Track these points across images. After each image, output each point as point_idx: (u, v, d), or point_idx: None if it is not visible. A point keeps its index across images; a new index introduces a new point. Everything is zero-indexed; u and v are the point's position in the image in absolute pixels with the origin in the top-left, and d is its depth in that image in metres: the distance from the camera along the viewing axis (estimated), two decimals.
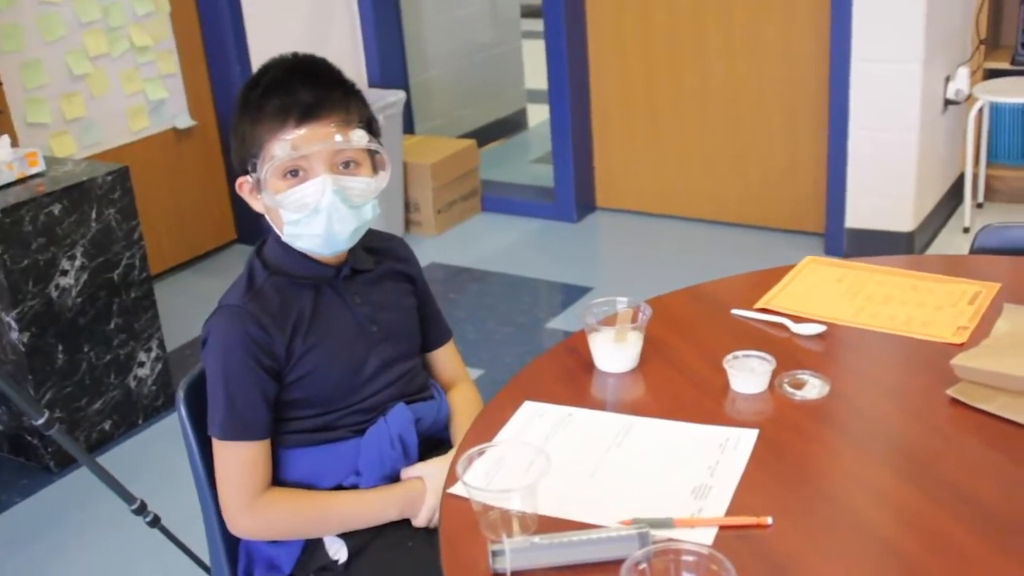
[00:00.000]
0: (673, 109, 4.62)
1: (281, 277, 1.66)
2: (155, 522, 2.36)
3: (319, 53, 1.68)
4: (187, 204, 4.55)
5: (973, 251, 2.14)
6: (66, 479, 3.11)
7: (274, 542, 1.68)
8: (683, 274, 2.27)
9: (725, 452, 1.42)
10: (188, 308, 4.05)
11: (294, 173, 1.59)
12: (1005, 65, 4.41)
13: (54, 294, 3.01)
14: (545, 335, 3.79)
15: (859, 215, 4.13)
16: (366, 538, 1.65)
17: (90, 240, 3.09)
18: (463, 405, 1.82)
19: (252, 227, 4.58)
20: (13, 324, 2.93)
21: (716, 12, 4.38)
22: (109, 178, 3.13)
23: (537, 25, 4.90)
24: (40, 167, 3.11)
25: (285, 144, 1.58)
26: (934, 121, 4.11)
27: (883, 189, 4.04)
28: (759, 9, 4.27)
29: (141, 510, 2.34)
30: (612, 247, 4.69)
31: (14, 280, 2.90)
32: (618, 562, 1.13)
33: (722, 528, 1.27)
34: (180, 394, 1.69)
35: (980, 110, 4.29)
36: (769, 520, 1.27)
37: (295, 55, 1.67)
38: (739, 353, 1.61)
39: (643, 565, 1.13)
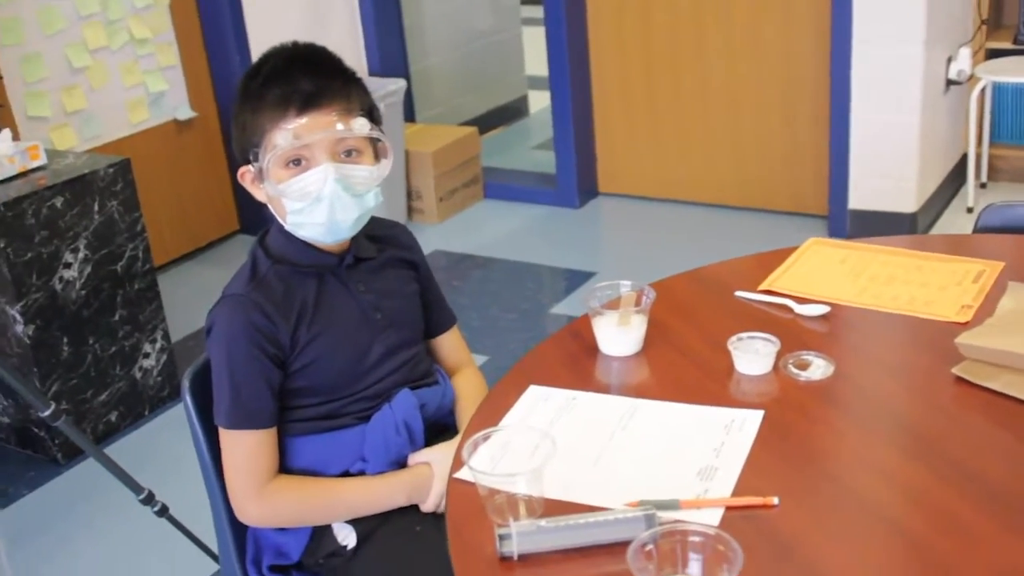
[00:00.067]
0: (674, 93, 4.61)
1: (284, 266, 1.66)
2: (163, 512, 2.37)
3: (319, 42, 1.68)
4: (189, 195, 4.55)
5: (977, 230, 2.14)
6: (73, 471, 3.12)
7: (282, 529, 1.68)
8: (686, 258, 2.27)
9: (730, 433, 1.42)
10: (192, 299, 4.05)
11: (296, 162, 1.59)
12: (1007, 45, 4.40)
13: (58, 287, 3.02)
14: (549, 320, 3.79)
15: (862, 196, 4.13)
16: (374, 524, 1.65)
17: (93, 232, 3.09)
18: (468, 390, 1.82)
19: (255, 217, 4.58)
20: (18, 317, 2.93)
21: (716, 7, 4.37)
22: (111, 170, 3.13)
23: (537, 12, 4.89)
24: (41, 160, 3.11)
25: (287, 133, 1.57)
26: (936, 102, 4.10)
27: (886, 170, 4.04)
28: None
29: (149, 500, 2.35)
30: (615, 232, 4.68)
31: (18, 273, 2.90)
32: (625, 544, 1.14)
33: (728, 509, 1.27)
34: (185, 383, 1.69)
35: (982, 90, 4.28)
36: (775, 500, 1.27)
37: (295, 44, 1.66)
38: (743, 335, 1.61)
39: (650, 547, 1.13)
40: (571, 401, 1.55)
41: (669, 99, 4.63)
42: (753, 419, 1.45)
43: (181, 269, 4.50)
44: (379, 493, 1.65)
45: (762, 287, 1.83)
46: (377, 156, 1.66)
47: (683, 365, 1.63)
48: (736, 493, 1.30)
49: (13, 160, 3.02)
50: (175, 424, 3.21)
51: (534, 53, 5.88)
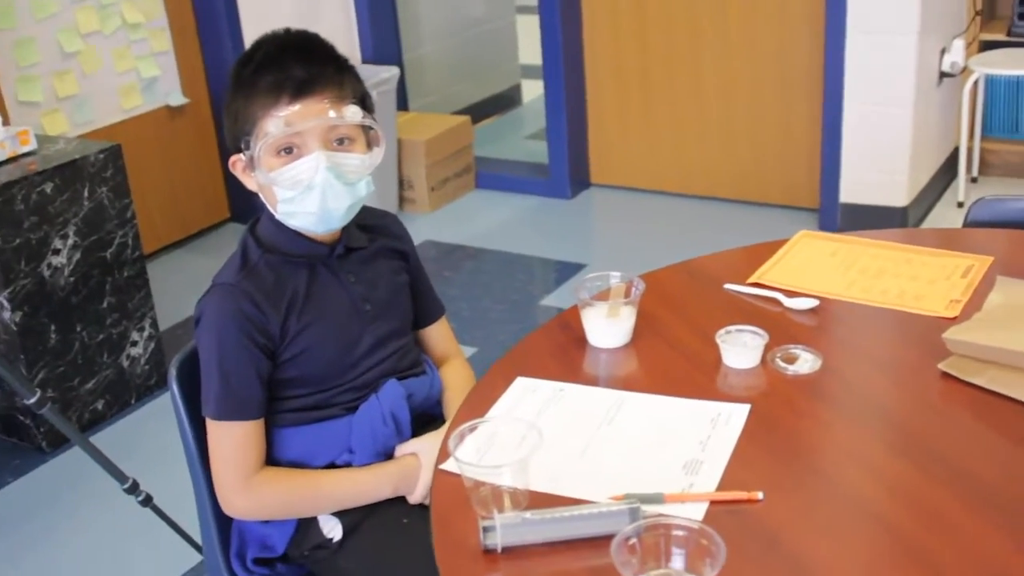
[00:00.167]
0: (668, 84, 4.60)
1: (275, 255, 1.65)
2: (147, 501, 2.36)
3: (312, 29, 1.67)
4: (180, 182, 4.53)
5: (967, 224, 2.14)
6: (58, 459, 3.11)
7: (267, 522, 1.68)
8: (678, 250, 2.26)
9: (717, 427, 1.42)
10: (181, 287, 4.04)
11: (288, 150, 1.58)
12: (1001, 37, 4.40)
13: (46, 273, 3.00)
14: (539, 312, 3.78)
15: (853, 190, 4.12)
16: (360, 516, 1.65)
17: (82, 219, 3.08)
18: (456, 381, 1.81)
19: (245, 205, 4.56)
20: (5, 303, 2.92)
21: None
22: (101, 156, 3.11)
23: (532, 0, 4.87)
24: (32, 145, 3.09)
25: (278, 121, 1.56)
26: (929, 94, 4.10)
27: (878, 163, 4.03)
28: None
29: (133, 489, 2.34)
30: (606, 224, 4.68)
31: (6, 259, 2.89)
32: (608, 537, 1.13)
33: (713, 503, 1.26)
34: (172, 372, 1.68)
35: (975, 83, 4.28)
36: (760, 495, 1.27)
37: (288, 31, 1.65)
38: (731, 328, 1.61)
39: (633, 540, 1.13)
40: (558, 393, 1.54)
41: (662, 91, 4.62)
42: (740, 413, 1.44)
43: (171, 257, 4.49)
44: (365, 485, 1.64)
45: (751, 280, 1.82)
46: (369, 144, 1.65)
47: (671, 357, 1.62)
48: (722, 487, 1.29)
49: (3, 145, 3.01)
50: (162, 413, 3.20)
51: (528, 42, 5.87)
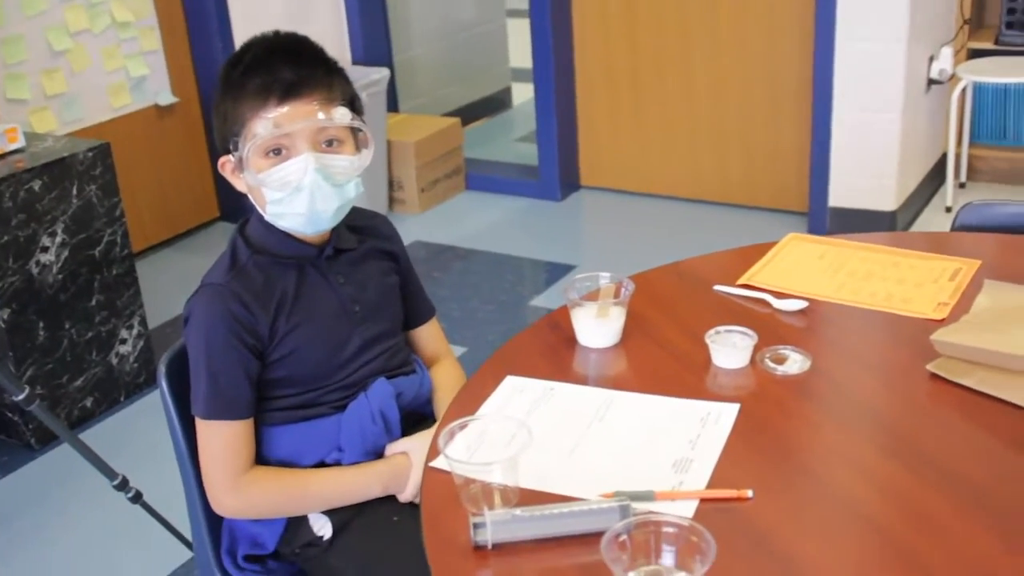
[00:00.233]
0: (658, 88, 4.61)
1: (264, 256, 1.65)
2: (137, 498, 2.36)
3: (302, 30, 1.67)
4: (169, 182, 4.52)
5: (954, 229, 2.15)
6: (47, 456, 3.10)
7: (257, 519, 1.68)
8: (667, 253, 2.27)
9: (706, 426, 1.42)
10: (170, 286, 4.04)
11: (276, 152, 1.59)
12: (989, 45, 4.42)
13: (35, 270, 3.00)
14: (529, 313, 3.79)
15: (842, 194, 4.14)
16: (350, 514, 1.65)
17: (71, 216, 3.07)
18: (446, 380, 1.82)
19: (235, 205, 4.56)
20: None
21: (701, 3, 4.37)
22: (90, 154, 3.11)
23: (522, 3, 4.88)
24: (20, 143, 3.08)
25: (267, 122, 1.56)
26: (917, 101, 4.12)
27: (866, 168, 4.05)
28: None
29: (123, 486, 2.34)
30: (596, 226, 4.68)
31: None
32: (599, 534, 1.14)
33: (703, 501, 1.27)
34: (162, 369, 1.68)
35: (963, 90, 4.30)
36: (749, 493, 1.27)
37: (277, 33, 1.66)
38: (721, 328, 1.61)
39: (623, 537, 1.13)
40: (548, 392, 1.55)
41: (653, 94, 4.63)
42: (729, 412, 1.45)
43: (160, 256, 4.48)
44: (355, 485, 1.64)
45: (740, 281, 1.83)
46: (358, 146, 1.65)
47: (661, 357, 1.63)
48: (711, 485, 1.30)
49: None
50: (151, 411, 3.19)
51: (518, 45, 5.87)
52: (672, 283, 1.88)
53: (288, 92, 1.57)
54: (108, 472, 2.32)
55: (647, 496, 1.27)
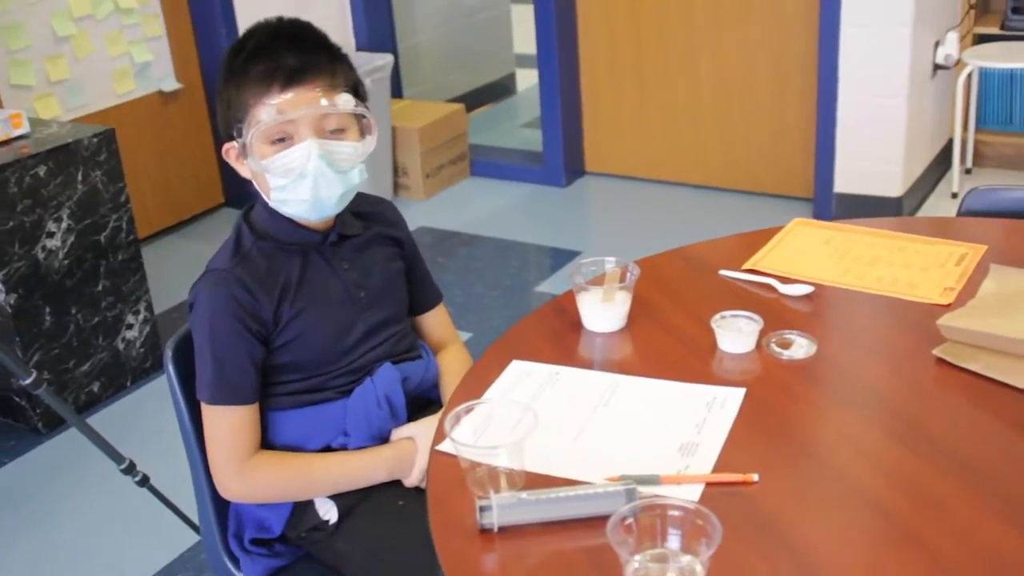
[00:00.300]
0: (662, 74, 4.60)
1: (268, 242, 1.65)
2: (144, 481, 2.36)
3: (306, 16, 1.67)
4: (174, 167, 4.53)
5: (960, 214, 2.14)
6: (54, 440, 3.11)
7: (264, 504, 1.68)
8: (672, 238, 2.27)
9: (712, 410, 1.43)
10: (175, 271, 4.04)
11: (280, 138, 1.58)
12: (995, 30, 4.41)
13: (40, 256, 3.00)
14: (533, 299, 3.79)
15: (848, 180, 4.13)
16: (356, 498, 1.65)
17: (76, 202, 3.07)
18: (453, 366, 1.82)
19: (239, 191, 4.56)
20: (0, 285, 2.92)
21: None
22: (95, 140, 3.11)
23: None
24: (24, 129, 3.09)
25: (271, 109, 1.56)
26: (923, 86, 4.11)
27: (872, 154, 4.04)
28: None
29: (130, 470, 2.34)
30: (601, 211, 4.68)
31: (0, 242, 2.89)
32: (605, 518, 1.14)
33: (709, 485, 1.27)
34: (168, 353, 1.68)
35: (969, 75, 4.29)
36: (755, 477, 1.28)
37: (280, 19, 1.65)
38: (727, 313, 1.61)
39: (630, 520, 1.13)
40: (554, 376, 1.55)
41: (657, 80, 4.62)
42: (735, 397, 1.45)
43: (165, 241, 4.48)
44: (360, 469, 1.65)
45: (746, 266, 1.83)
46: (362, 132, 1.65)
47: (666, 342, 1.63)
48: (717, 469, 1.30)
49: None
50: (157, 396, 3.20)
51: (523, 31, 5.86)
52: (678, 268, 1.88)
53: (291, 78, 1.57)
54: (115, 456, 2.33)
55: (653, 480, 1.27)
